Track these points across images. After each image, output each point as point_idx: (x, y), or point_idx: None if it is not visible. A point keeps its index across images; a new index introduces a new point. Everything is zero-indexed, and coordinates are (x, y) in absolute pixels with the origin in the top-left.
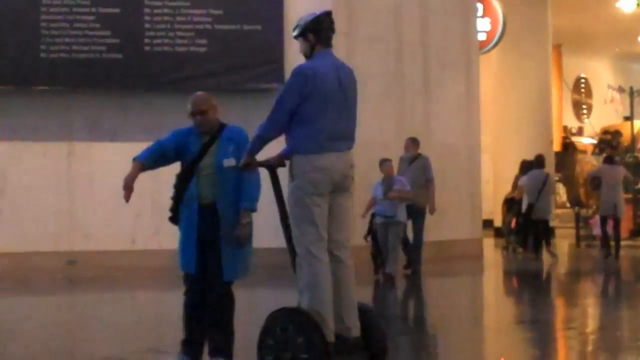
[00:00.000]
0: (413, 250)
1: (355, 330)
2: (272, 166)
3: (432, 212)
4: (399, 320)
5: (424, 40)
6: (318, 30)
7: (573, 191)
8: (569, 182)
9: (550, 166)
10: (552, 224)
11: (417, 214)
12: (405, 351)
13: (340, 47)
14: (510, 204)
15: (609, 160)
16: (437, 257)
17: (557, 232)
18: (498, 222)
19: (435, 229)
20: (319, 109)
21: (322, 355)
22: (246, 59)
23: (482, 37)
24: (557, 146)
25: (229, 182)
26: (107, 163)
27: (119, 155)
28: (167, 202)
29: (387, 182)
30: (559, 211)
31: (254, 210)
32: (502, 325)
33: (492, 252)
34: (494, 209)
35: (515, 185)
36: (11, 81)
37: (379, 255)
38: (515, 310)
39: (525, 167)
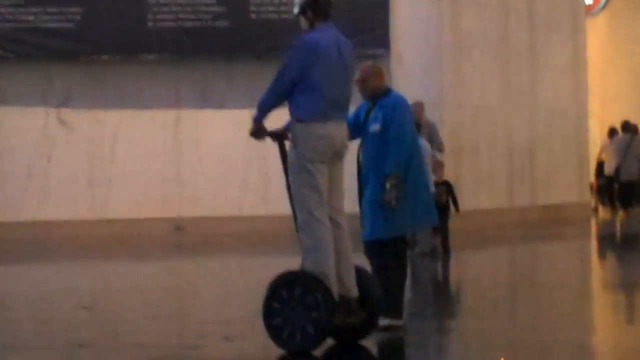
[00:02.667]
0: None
1: (354, 291)
2: (280, 136)
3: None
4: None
5: (530, 4)
6: (315, 7)
7: None
8: None
9: None
10: None
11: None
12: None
13: (445, 11)
14: (600, 167)
15: None
16: (545, 220)
17: None
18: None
19: (542, 193)
20: (321, 78)
21: (331, 313)
22: (350, 25)
23: (588, 0)
24: None
25: (373, 148)
26: (215, 130)
27: (226, 122)
28: (274, 169)
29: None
30: None
31: (393, 174)
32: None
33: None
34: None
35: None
36: (119, 51)
37: None
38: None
39: (612, 131)
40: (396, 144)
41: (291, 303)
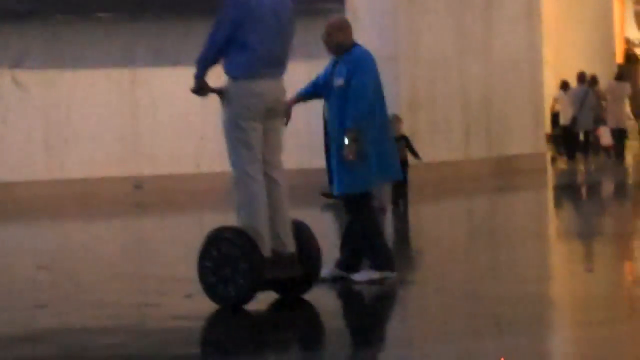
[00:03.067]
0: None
1: (290, 246)
2: (222, 92)
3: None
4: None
5: None
6: None
7: (636, 103)
8: (632, 94)
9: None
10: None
11: None
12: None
13: None
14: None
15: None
16: (502, 172)
17: None
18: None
19: (498, 144)
20: (252, 35)
21: (260, 265)
22: None
23: None
24: (619, 58)
25: (337, 103)
26: (170, 88)
27: (182, 80)
28: None
29: None
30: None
31: (353, 128)
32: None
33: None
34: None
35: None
36: (74, 10)
37: None
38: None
39: (565, 84)
40: (356, 97)
41: (220, 260)
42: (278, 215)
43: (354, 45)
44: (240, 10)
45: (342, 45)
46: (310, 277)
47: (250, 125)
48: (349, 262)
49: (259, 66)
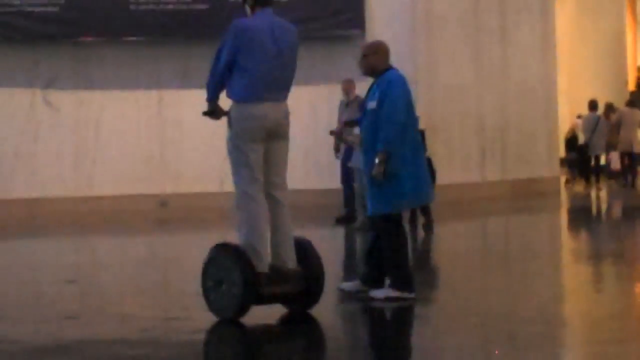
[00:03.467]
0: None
1: (292, 263)
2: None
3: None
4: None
5: None
6: None
7: None
8: None
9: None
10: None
11: None
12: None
13: None
14: (570, 142)
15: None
16: (515, 194)
17: None
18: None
19: (513, 168)
20: (252, 61)
21: (253, 280)
22: (327, 7)
23: None
24: (632, 86)
25: (371, 125)
26: (196, 109)
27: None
28: None
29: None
30: None
31: (384, 150)
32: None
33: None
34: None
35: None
36: (102, 34)
37: None
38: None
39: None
40: (387, 120)
41: (218, 275)
42: (279, 233)
43: (389, 68)
44: (240, 37)
45: (375, 67)
46: (312, 291)
47: (250, 147)
48: (372, 277)
49: (259, 90)
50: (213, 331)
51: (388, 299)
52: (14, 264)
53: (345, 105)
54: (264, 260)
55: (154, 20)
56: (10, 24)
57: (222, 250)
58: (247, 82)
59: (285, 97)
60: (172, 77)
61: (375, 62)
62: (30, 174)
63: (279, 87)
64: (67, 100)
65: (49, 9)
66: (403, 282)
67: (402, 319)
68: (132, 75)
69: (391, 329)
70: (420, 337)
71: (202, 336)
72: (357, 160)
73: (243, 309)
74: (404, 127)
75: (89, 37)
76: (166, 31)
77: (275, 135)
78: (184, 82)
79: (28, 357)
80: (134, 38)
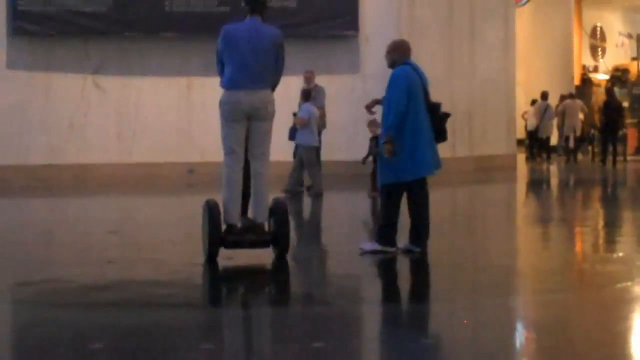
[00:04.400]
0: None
1: (261, 218)
2: None
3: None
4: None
5: None
6: (246, 4)
7: (589, 116)
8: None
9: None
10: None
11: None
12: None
13: (403, 1)
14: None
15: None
16: (479, 168)
17: None
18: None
19: (479, 146)
20: (230, 57)
21: (218, 229)
22: (327, 11)
23: None
24: (577, 81)
25: (384, 111)
26: (217, 93)
27: None
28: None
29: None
30: None
31: (386, 134)
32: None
33: (523, 164)
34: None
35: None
36: (142, 30)
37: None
38: (541, 209)
39: (533, 101)
40: (386, 111)
41: (203, 226)
42: (254, 194)
43: (405, 63)
44: (223, 38)
45: (394, 62)
46: (280, 240)
47: (230, 125)
48: (414, 236)
49: (235, 80)
50: (230, 274)
51: (373, 252)
52: (66, 218)
53: (307, 92)
54: (234, 215)
55: (184, 20)
56: (66, 21)
57: (204, 206)
58: (227, 74)
59: (260, 86)
60: (198, 66)
61: (395, 57)
62: (81, 144)
63: (253, 78)
64: (112, 84)
65: (99, 8)
66: (386, 238)
67: (387, 269)
68: (166, 65)
69: (374, 276)
70: (399, 283)
71: (217, 279)
72: (299, 139)
73: (211, 253)
74: (402, 115)
75: (131, 32)
76: (194, 29)
77: (253, 116)
78: (208, 71)
79: (77, 293)
80: (167, 34)
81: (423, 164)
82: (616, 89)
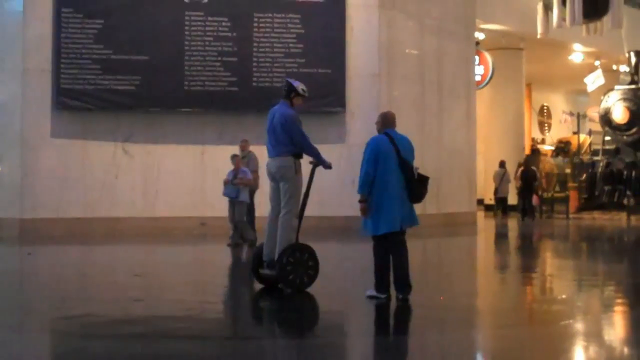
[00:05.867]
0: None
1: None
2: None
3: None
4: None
5: (439, 79)
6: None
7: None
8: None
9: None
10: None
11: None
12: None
13: (383, 84)
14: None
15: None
16: (445, 223)
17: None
18: (487, 201)
19: (445, 205)
20: (266, 133)
21: (255, 265)
22: (320, 90)
23: (478, 78)
24: (527, 150)
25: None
26: (228, 159)
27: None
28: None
29: (235, 172)
30: None
31: (358, 192)
32: (489, 269)
33: (482, 219)
34: (484, 192)
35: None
36: (164, 105)
37: None
38: (498, 258)
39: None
40: (360, 172)
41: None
42: (276, 238)
43: (384, 132)
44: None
45: (379, 131)
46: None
47: (270, 184)
48: (396, 284)
49: (267, 150)
50: (234, 310)
51: (371, 297)
52: (98, 263)
53: (242, 157)
54: (264, 253)
55: (199, 97)
56: (101, 97)
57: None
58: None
59: (276, 155)
60: (211, 136)
61: (379, 127)
62: (111, 200)
63: (270, 149)
64: (138, 150)
65: (129, 87)
66: (377, 286)
67: (378, 310)
68: (184, 135)
69: (367, 315)
70: (383, 319)
71: (226, 314)
72: (227, 192)
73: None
74: (369, 176)
75: (155, 107)
76: (208, 105)
77: (274, 178)
78: (220, 140)
79: (108, 326)
80: (185, 109)
81: (388, 221)
82: (560, 158)
